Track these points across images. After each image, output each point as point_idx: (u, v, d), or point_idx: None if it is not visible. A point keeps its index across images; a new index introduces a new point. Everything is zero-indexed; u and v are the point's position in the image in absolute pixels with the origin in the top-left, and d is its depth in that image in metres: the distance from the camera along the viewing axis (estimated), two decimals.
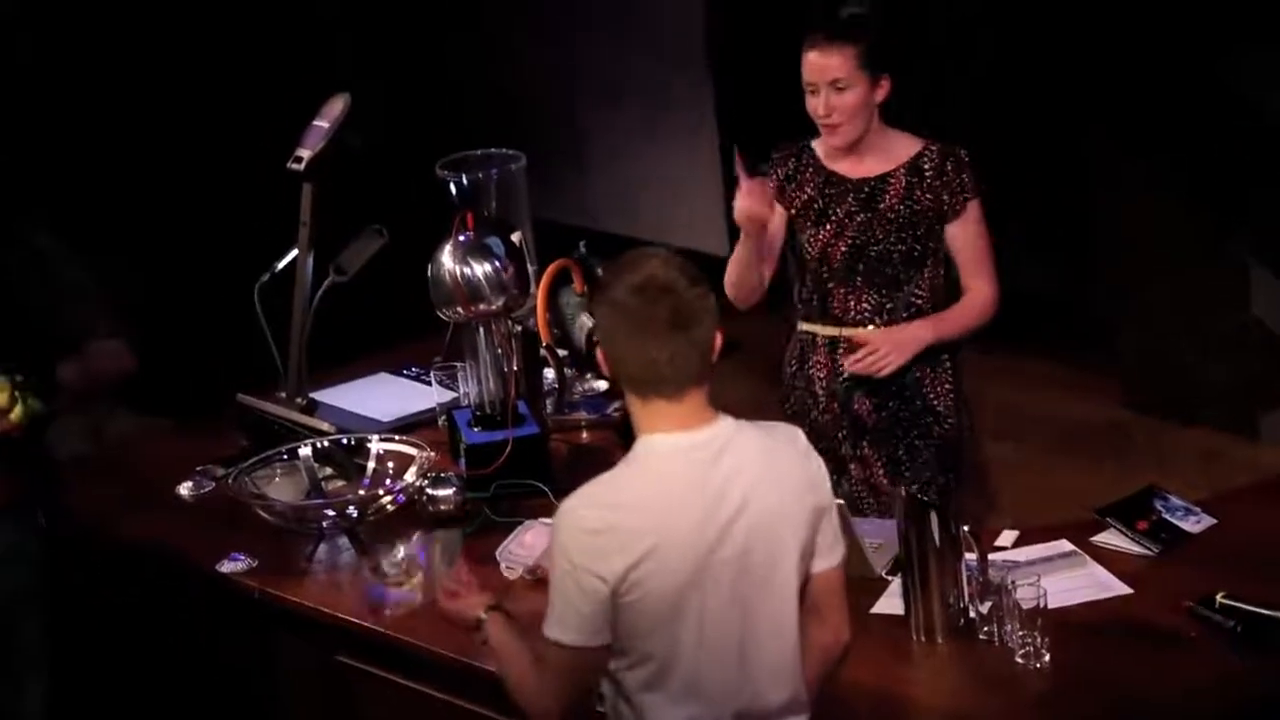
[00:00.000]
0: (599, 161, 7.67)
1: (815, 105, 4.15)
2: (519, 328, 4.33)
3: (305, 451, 4.26)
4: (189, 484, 4.43)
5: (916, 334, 4.21)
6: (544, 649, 3.02)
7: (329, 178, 4.56)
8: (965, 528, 3.65)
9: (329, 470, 4.29)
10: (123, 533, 4.32)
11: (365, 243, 4.64)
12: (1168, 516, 3.90)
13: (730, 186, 7.17)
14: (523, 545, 3.97)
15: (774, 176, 4.28)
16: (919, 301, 4.23)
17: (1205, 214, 6.04)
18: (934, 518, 3.56)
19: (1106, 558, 3.81)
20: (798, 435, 3.13)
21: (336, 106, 4.58)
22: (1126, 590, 3.70)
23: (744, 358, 4.05)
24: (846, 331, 4.24)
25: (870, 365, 4.18)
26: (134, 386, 4.73)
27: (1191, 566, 3.75)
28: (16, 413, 3.98)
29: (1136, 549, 3.83)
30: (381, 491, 4.15)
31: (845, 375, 4.23)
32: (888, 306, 4.22)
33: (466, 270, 4.21)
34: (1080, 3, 6.16)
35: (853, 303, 4.23)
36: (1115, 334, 6.43)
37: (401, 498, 4.12)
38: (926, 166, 4.19)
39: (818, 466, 3.11)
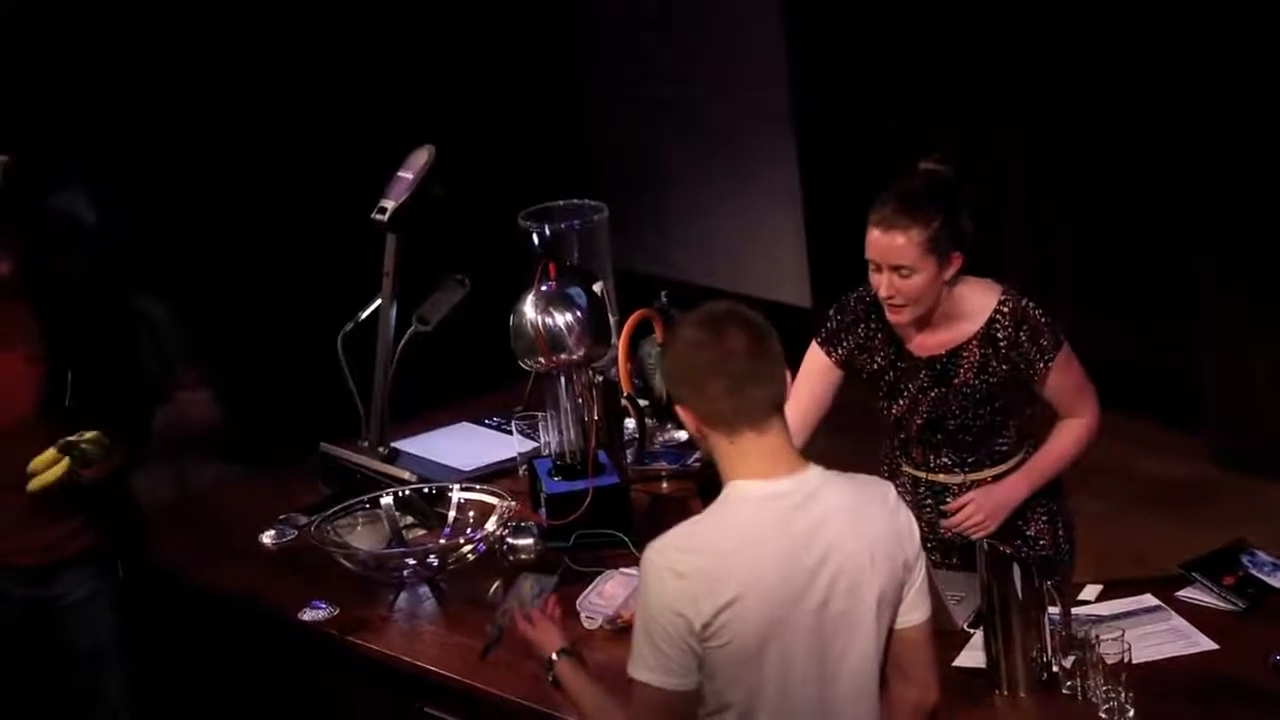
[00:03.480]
0: (682, 213, 7.69)
1: (877, 283, 3.89)
2: (600, 377, 4.33)
3: (387, 500, 4.28)
4: (272, 532, 4.45)
5: (1012, 495, 4.02)
6: (632, 690, 3.01)
7: (413, 228, 4.59)
8: (1048, 581, 3.62)
9: (410, 519, 4.30)
10: (206, 580, 4.34)
11: (448, 293, 4.66)
12: (1254, 572, 3.86)
13: (813, 240, 7.20)
14: (603, 595, 3.96)
15: (843, 342, 4.07)
16: (1004, 449, 4.07)
17: None
18: (1017, 571, 3.54)
19: (1192, 612, 3.77)
20: (888, 489, 3.12)
21: (421, 158, 4.62)
22: (1212, 645, 3.66)
23: None
24: (931, 476, 4.10)
25: (966, 529, 4.01)
26: (220, 435, 4.78)
27: (1279, 621, 3.71)
28: (54, 472, 4.03)
29: (1222, 604, 3.79)
30: (462, 540, 4.16)
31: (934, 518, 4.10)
32: (969, 460, 4.07)
33: (548, 320, 4.22)
34: (1167, 73, 6.13)
35: (933, 457, 4.10)
36: (1203, 392, 6.37)
37: (482, 547, 4.13)
38: (1000, 335, 3.95)
39: (906, 520, 3.10)
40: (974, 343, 3.98)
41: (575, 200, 4.61)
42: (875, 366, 4.08)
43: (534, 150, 7.20)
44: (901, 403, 4.06)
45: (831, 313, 4.12)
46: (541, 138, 7.36)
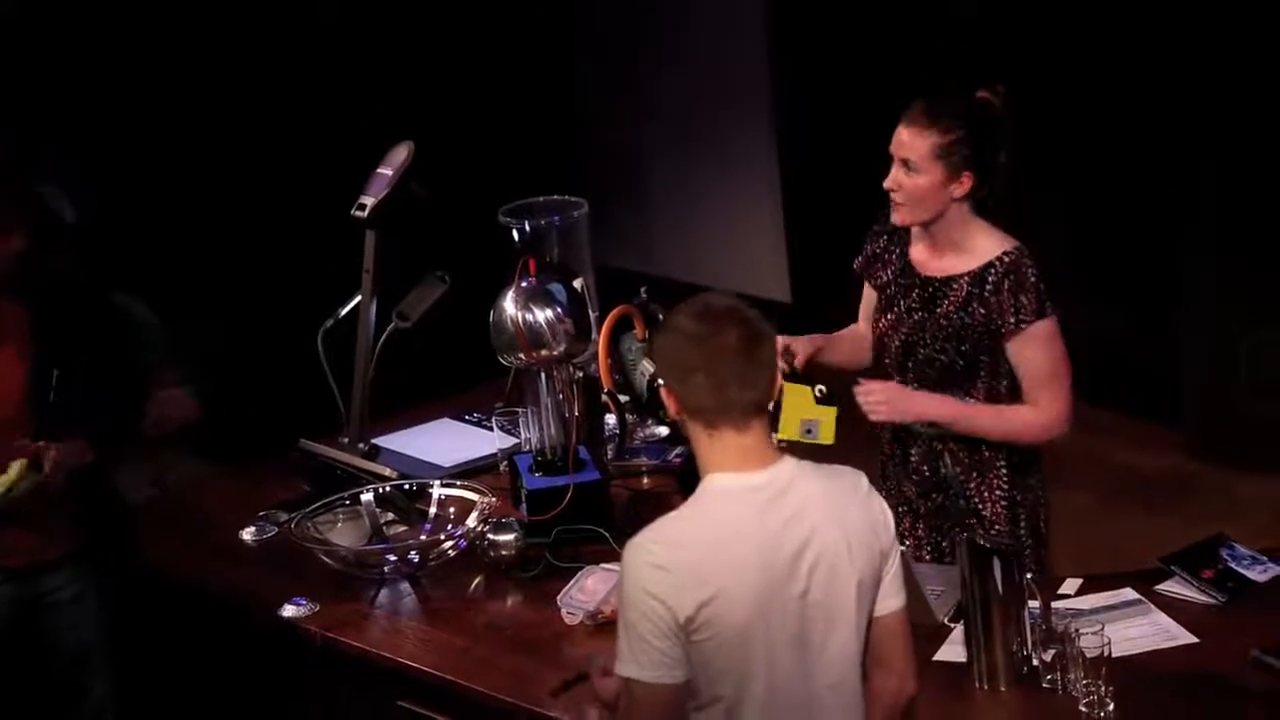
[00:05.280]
0: (662, 208, 7.70)
1: (888, 176, 4.06)
2: (580, 373, 4.33)
3: (367, 497, 4.28)
4: (252, 529, 4.45)
5: (924, 404, 4.06)
6: (625, 689, 3.02)
7: (392, 225, 4.58)
8: (1028, 575, 3.63)
9: (390, 515, 4.31)
10: (186, 577, 4.33)
11: (428, 289, 4.66)
12: (1234, 565, 3.87)
13: (793, 236, 7.22)
14: (584, 591, 3.96)
15: (864, 250, 4.25)
16: None
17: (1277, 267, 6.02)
18: (997, 565, 3.55)
19: (1171, 606, 3.78)
20: (860, 478, 3.14)
21: (400, 154, 4.61)
22: (1192, 639, 3.67)
23: None
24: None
25: (864, 405, 4.06)
26: (199, 432, 4.77)
27: (1258, 615, 3.72)
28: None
29: (1202, 598, 3.80)
30: (443, 537, 4.16)
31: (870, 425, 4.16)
32: None
33: (528, 316, 4.22)
34: (1155, 63, 6.15)
35: None
36: (1183, 384, 6.39)
37: (463, 543, 4.13)
38: (990, 279, 4.02)
39: (880, 509, 3.12)
40: (966, 278, 4.05)
41: (555, 196, 4.61)
42: (885, 277, 4.20)
43: (515, 147, 7.19)
44: (889, 317, 4.15)
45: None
46: (522, 134, 7.36)
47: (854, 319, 4.35)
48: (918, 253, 4.14)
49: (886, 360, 4.18)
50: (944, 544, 4.17)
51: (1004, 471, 4.13)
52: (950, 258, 4.08)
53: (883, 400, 4.05)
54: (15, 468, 4.03)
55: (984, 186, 4.02)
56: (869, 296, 4.29)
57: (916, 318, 4.10)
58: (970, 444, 4.11)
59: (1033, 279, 4.01)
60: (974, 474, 4.12)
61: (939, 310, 4.07)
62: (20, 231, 4.07)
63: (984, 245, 4.06)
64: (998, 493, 4.13)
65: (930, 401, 4.08)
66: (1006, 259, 4.02)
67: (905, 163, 3.99)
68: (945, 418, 4.08)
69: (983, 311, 4.03)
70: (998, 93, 4.03)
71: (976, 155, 3.99)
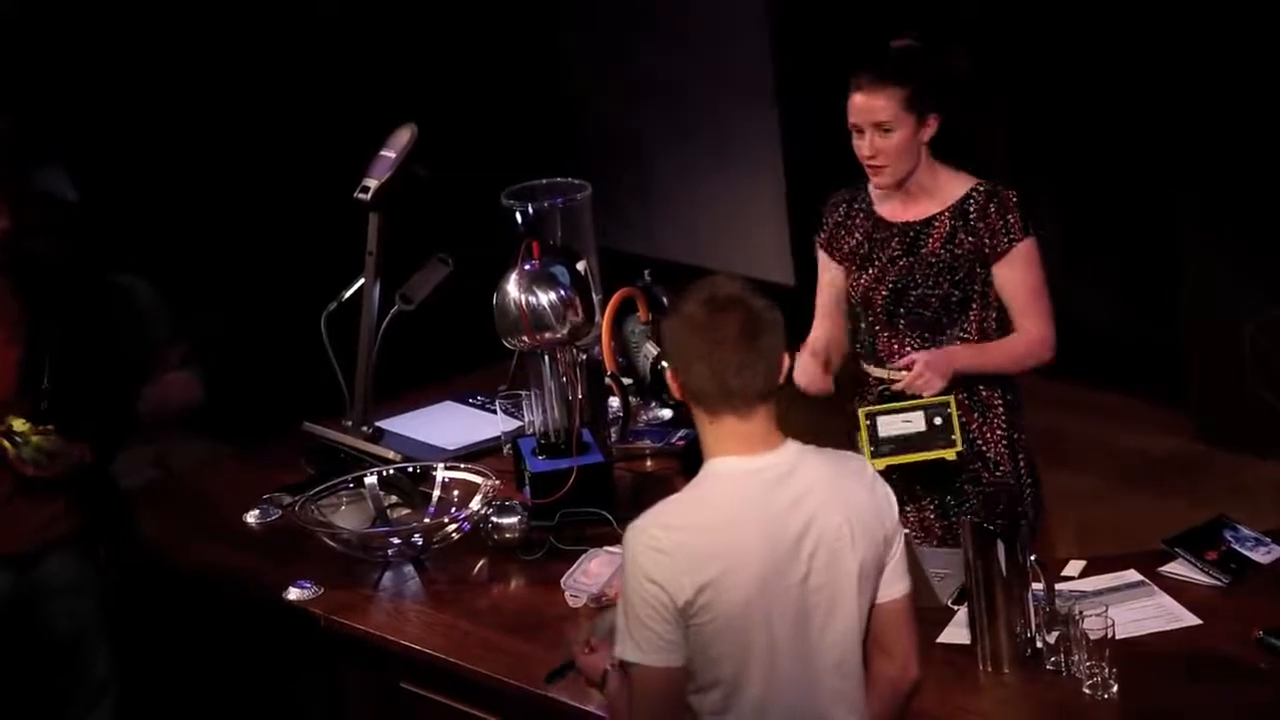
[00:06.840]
0: (665, 191, 7.69)
1: (860, 146, 4.10)
2: (584, 356, 4.33)
3: (371, 480, 4.28)
4: (256, 512, 4.45)
5: (950, 357, 4.11)
6: (625, 673, 3.02)
7: (395, 207, 4.58)
8: (1032, 557, 3.63)
9: (394, 498, 4.31)
10: (190, 560, 4.34)
11: (431, 272, 4.66)
12: (1237, 547, 3.87)
13: (796, 218, 7.22)
14: (587, 574, 3.97)
15: (825, 224, 4.28)
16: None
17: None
18: (1001, 547, 3.55)
19: (1175, 588, 3.78)
20: (864, 464, 3.15)
21: (403, 136, 4.61)
22: (1195, 621, 3.67)
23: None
24: (893, 374, 4.15)
25: (916, 388, 4.07)
26: (202, 415, 4.77)
27: (1261, 597, 3.72)
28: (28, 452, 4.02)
29: (1205, 579, 3.80)
30: (446, 519, 4.16)
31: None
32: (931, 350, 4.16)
33: (532, 299, 4.22)
34: (1152, 43, 6.15)
35: (896, 346, 4.17)
36: (1188, 367, 6.39)
37: (466, 526, 4.14)
38: (971, 209, 4.12)
39: (884, 494, 3.12)
40: (946, 214, 4.14)
41: (559, 178, 4.61)
42: (854, 241, 4.23)
43: (518, 128, 7.19)
44: (871, 272, 4.19)
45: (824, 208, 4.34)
46: (525, 116, 7.36)
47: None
48: (887, 208, 4.20)
49: (870, 316, 4.22)
50: (949, 499, 4.19)
51: (1001, 410, 4.19)
52: (923, 203, 4.16)
53: (928, 378, 4.07)
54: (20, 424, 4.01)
55: (948, 121, 4.10)
56: (829, 286, 4.28)
57: (902, 263, 4.15)
58: (969, 385, 4.16)
59: (1013, 200, 4.12)
60: (975, 414, 4.17)
61: (924, 250, 4.14)
62: (3, 213, 4.04)
63: (953, 185, 4.16)
64: (999, 432, 4.19)
65: (951, 353, 4.12)
66: (983, 188, 4.14)
67: (879, 126, 4.05)
68: (972, 361, 4.13)
69: (970, 240, 4.11)
70: (912, 37, 4.12)
71: (934, 95, 4.08)
